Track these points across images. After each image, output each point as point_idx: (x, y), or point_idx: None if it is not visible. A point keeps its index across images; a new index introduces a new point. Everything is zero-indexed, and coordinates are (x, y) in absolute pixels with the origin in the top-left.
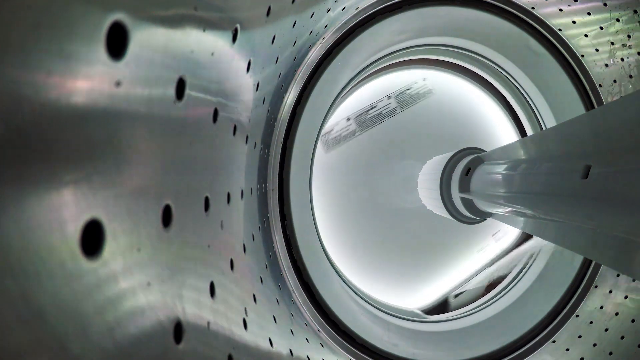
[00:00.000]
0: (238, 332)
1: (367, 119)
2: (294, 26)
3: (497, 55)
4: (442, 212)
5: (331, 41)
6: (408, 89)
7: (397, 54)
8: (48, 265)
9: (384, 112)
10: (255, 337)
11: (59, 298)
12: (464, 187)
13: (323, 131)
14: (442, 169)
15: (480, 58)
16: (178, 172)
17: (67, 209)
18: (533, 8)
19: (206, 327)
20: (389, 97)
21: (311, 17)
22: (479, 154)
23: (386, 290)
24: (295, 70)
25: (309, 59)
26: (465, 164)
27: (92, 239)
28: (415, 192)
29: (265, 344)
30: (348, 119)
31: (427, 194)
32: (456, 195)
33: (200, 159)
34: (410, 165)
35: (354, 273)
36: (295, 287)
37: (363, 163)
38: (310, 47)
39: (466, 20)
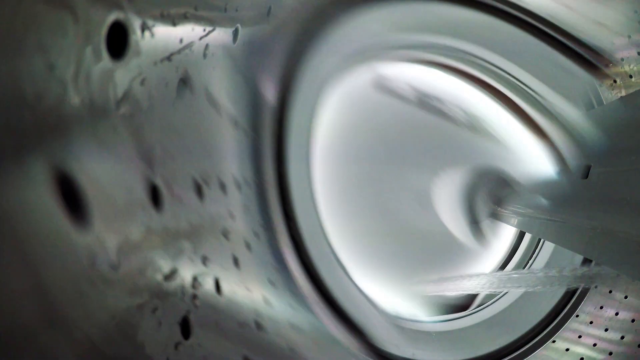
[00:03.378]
0: (251, 333)
1: (426, 102)
2: None
3: (487, 52)
4: (465, 237)
5: (305, 19)
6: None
7: (400, 50)
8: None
9: (446, 113)
10: (272, 341)
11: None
12: (496, 216)
13: (380, 73)
14: (465, 194)
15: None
16: (163, 147)
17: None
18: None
19: (215, 324)
20: (461, 110)
21: None
22: (505, 179)
23: None
24: (273, 46)
25: (285, 38)
26: (495, 194)
27: (77, 205)
28: None
29: (285, 351)
30: (413, 88)
31: (453, 222)
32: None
33: (186, 135)
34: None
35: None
36: (309, 294)
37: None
38: (277, 18)
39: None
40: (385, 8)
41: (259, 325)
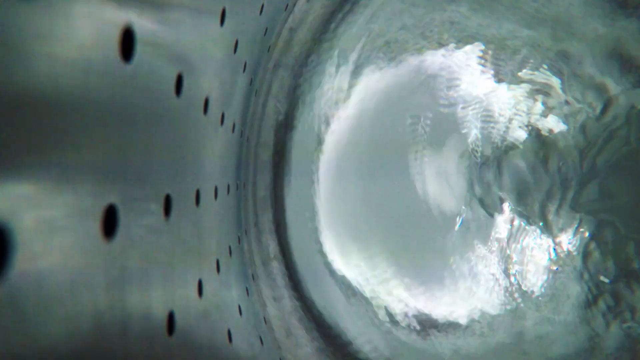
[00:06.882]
0: (223, 342)
1: None
2: None
3: None
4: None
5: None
6: None
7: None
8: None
9: None
10: (240, 355)
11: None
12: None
13: None
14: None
15: None
16: (129, 162)
17: None
18: None
19: (196, 325)
20: None
21: None
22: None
23: None
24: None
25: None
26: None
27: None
28: None
29: None
30: None
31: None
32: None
33: (160, 147)
34: None
35: None
36: (291, 303)
37: None
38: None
39: None
40: None
41: (230, 335)
